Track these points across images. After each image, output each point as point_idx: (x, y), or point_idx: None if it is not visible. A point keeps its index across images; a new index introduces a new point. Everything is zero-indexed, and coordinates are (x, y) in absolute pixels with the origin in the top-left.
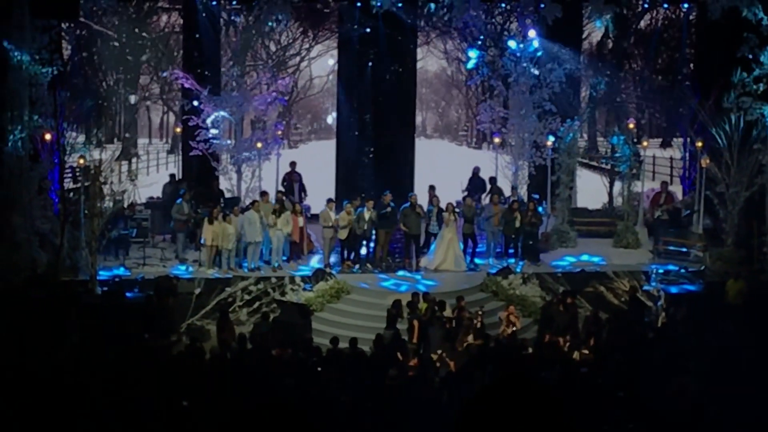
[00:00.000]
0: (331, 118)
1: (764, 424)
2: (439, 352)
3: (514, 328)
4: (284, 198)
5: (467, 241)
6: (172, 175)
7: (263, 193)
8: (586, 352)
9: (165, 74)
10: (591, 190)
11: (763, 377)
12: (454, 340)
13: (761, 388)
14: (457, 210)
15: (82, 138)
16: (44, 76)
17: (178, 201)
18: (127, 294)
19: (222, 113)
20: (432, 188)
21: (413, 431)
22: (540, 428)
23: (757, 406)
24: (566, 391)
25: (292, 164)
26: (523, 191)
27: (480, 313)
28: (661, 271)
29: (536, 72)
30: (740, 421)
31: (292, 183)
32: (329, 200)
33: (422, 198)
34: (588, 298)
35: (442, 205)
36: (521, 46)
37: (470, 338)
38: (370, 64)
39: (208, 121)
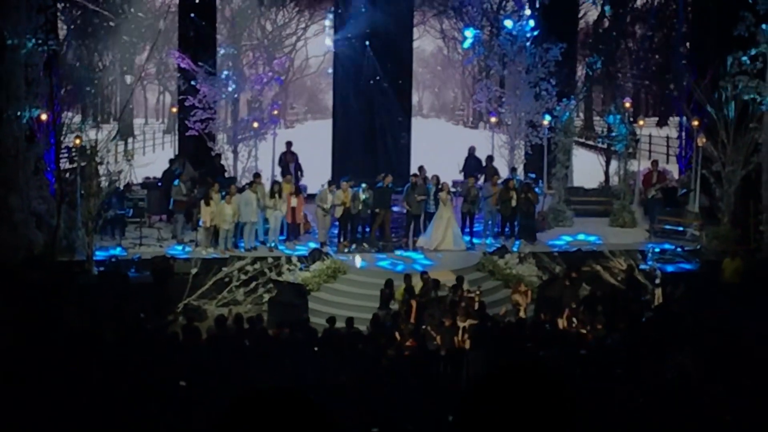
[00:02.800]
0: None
1: (761, 400)
2: (426, 327)
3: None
4: (289, 178)
5: (466, 220)
6: (176, 156)
7: (257, 175)
8: (584, 331)
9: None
10: (587, 169)
11: (760, 355)
12: (452, 318)
13: (757, 365)
14: (453, 189)
15: (78, 118)
16: (40, 57)
17: (176, 182)
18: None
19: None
20: (421, 168)
21: (410, 411)
22: (547, 416)
23: (754, 383)
24: (566, 369)
25: (288, 144)
26: (519, 170)
27: (478, 292)
28: (657, 250)
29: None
30: (737, 398)
31: (288, 163)
32: (329, 182)
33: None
34: (585, 278)
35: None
36: (517, 25)
37: (468, 318)
38: (366, 43)
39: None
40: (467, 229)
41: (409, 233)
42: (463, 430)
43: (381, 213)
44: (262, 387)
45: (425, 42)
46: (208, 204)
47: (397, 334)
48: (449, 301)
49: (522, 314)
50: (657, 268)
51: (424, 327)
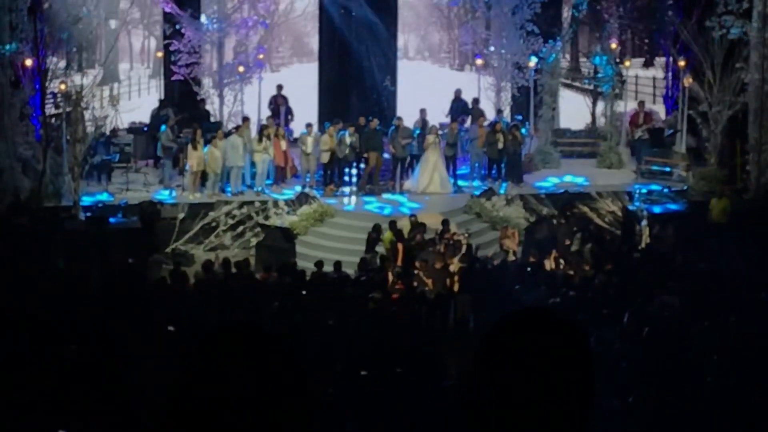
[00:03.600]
0: None
1: (747, 339)
2: (416, 271)
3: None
4: (270, 121)
5: (448, 164)
6: (162, 101)
7: (246, 118)
8: (571, 272)
9: None
10: (574, 110)
11: (746, 293)
12: (443, 261)
13: (744, 304)
14: (440, 132)
15: (63, 63)
16: (24, 2)
17: (163, 128)
18: (111, 219)
19: None
20: (422, 111)
21: (398, 354)
22: (567, 365)
23: (740, 322)
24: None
25: (279, 87)
26: (506, 113)
27: (467, 235)
28: (644, 190)
29: None
30: (723, 336)
31: (278, 106)
32: (308, 125)
33: (410, 121)
34: (572, 219)
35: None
36: None
37: (456, 260)
38: None
39: None
40: (451, 172)
41: (395, 176)
42: (478, 380)
43: (374, 156)
44: (222, 324)
45: None
46: (195, 148)
47: (389, 275)
48: (442, 244)
49: (512, 257)
50: (644, 208)
51: (416, 272)
